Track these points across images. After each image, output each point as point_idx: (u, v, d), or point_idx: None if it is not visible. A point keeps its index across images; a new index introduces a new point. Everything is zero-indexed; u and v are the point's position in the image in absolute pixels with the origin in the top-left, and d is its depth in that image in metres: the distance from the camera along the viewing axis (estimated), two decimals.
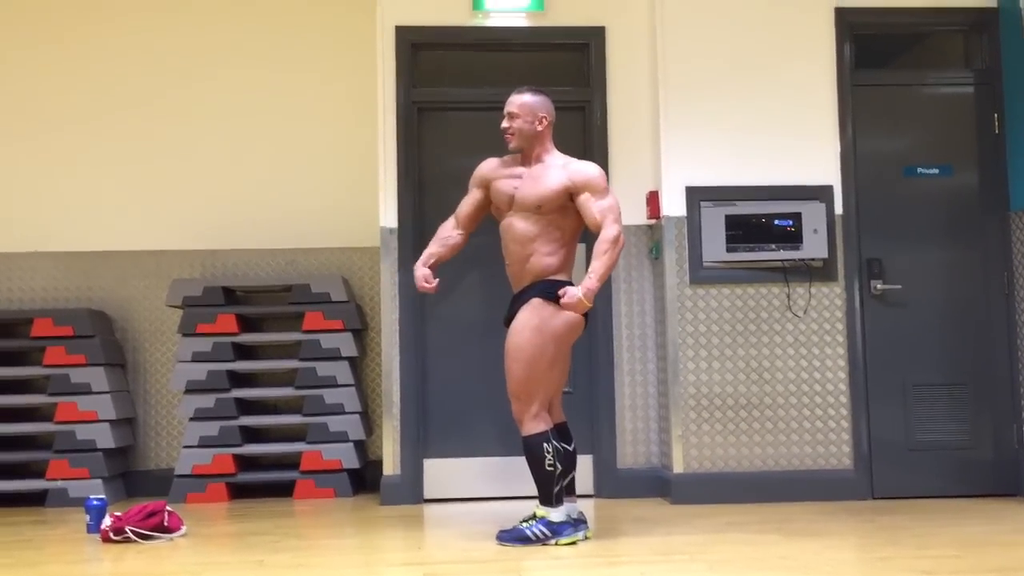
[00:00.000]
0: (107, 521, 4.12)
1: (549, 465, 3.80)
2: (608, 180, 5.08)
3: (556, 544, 3.82)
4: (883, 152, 5.10)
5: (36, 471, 5.40)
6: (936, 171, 5.11)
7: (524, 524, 3.88)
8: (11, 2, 5.88)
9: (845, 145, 5.05)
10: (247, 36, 5.95)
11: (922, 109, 5.15)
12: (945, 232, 5.08)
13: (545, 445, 3.81)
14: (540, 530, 3.83)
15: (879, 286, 5.01)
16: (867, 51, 5.16)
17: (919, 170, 5.11)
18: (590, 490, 5.13)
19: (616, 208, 3.90)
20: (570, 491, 3.98)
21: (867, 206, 5.05)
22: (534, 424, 3.83)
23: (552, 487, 3.84)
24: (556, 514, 3.86)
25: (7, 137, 5.84)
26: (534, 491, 3.91)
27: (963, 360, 5.02)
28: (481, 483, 5.11)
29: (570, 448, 3.98)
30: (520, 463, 4.13)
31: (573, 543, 3.85)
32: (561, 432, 4.00)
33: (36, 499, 5.28)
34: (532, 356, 3.83)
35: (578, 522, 3.93)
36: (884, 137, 5.11)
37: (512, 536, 3.85)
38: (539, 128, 3.96)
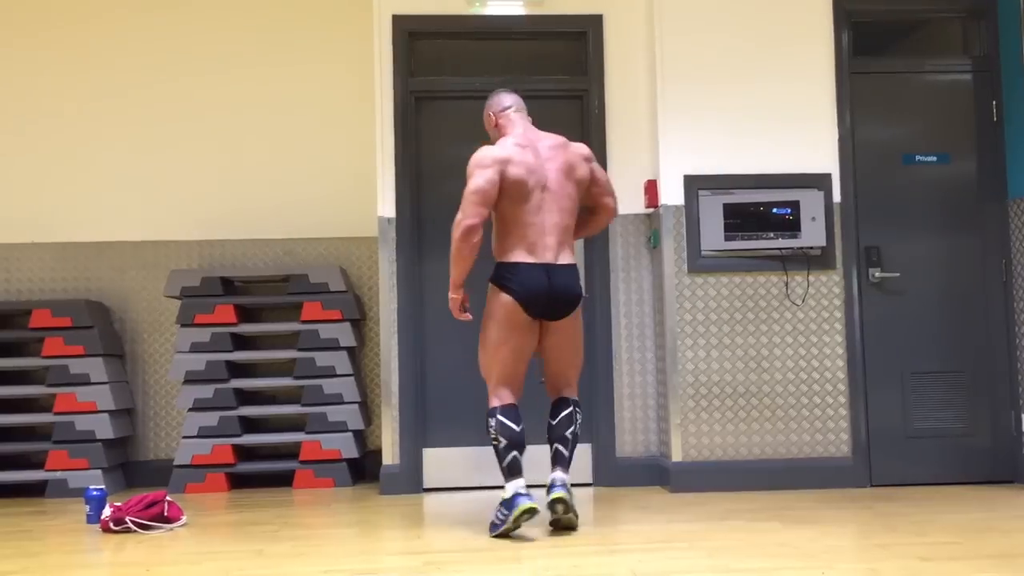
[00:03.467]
0: (107, 511, 4.13)
1: (493, 439, 3.87)
2: (606, 168, 5.15)
3: (513, 521, 3.70)
4: (881, 140, 5.09)
5: (35, 462, 5.41)
6: (934, 159, 5.11)
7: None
8: None
9: (843, 133, 5.04)
10: (244, 27, 5.93)
11: (920, 96, 5.14)
12: (943, 220, 5.08)
13: (489, 419, 3.90)
14: (501, 513, 3.82)
15: (877, 274, 5.01)
16: (865, 38, 5.15)
17: (917, 158, 5.10)
18: (589, 479, 5.14)
19: (468, 194, 3.84)
20: (559, 463, 3.90)
21: (865, 194, 5.05)
22: (490, 400, 3.98)
23: (500, 461, 3.86)
24: (507, 490, 3.81)
25: (5, 129, 5.83)
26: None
27: (961, 348, 5.02)
28: (480, 472, 5.12)
29: (517, 428, 3.86)
30: None
31: (527, 511, 3.69)
32: (554, 407, 4.03)
33: (36, 490, 5.30)
34: (482, 337, 4.02)
35: (528, 495, 3.77)
36: (882, 125, 5.10)
37: (492, 529, 3.86)
38: (491, 127, 4.16)
